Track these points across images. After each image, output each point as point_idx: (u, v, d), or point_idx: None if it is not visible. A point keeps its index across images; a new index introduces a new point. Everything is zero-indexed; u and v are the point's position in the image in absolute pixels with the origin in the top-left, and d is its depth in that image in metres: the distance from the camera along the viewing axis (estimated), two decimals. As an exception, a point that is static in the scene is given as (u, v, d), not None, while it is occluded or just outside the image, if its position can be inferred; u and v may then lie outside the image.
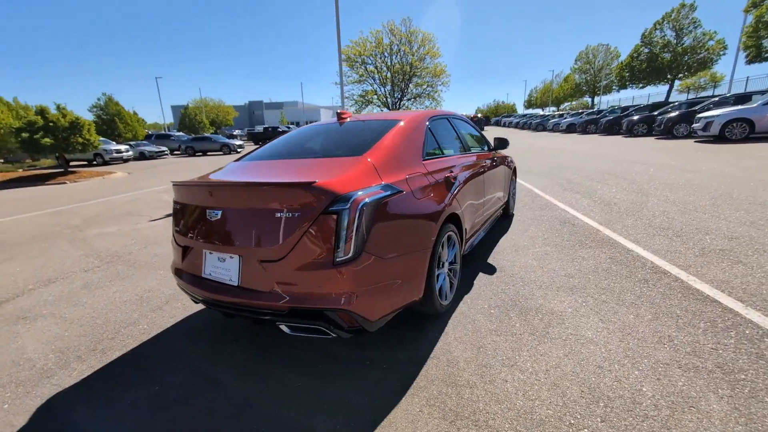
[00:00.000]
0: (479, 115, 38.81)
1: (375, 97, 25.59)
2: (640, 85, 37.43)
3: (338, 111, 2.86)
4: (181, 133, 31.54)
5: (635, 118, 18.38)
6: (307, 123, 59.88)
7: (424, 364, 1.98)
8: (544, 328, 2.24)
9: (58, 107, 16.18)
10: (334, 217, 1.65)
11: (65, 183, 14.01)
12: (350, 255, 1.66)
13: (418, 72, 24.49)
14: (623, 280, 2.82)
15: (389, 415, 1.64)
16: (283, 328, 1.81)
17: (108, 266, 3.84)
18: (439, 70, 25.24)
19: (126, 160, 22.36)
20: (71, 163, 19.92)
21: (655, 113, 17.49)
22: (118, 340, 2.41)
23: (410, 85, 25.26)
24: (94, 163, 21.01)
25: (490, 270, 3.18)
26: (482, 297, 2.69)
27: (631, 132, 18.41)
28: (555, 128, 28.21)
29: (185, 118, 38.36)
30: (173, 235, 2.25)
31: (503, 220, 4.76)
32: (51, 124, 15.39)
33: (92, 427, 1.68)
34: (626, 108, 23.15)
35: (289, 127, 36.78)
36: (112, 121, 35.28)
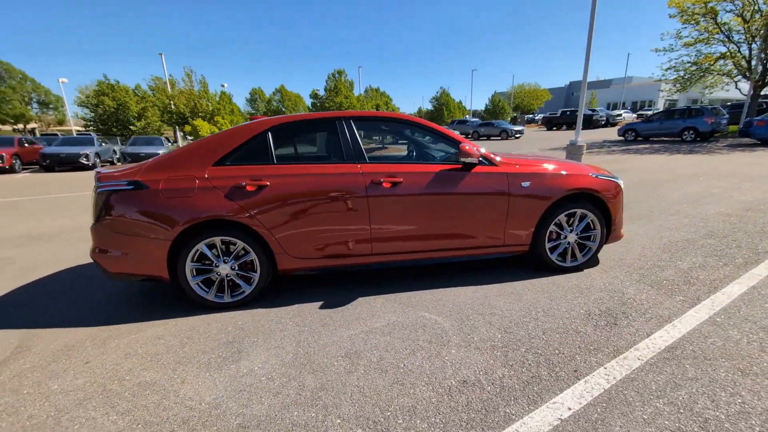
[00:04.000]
0: None
1: (726, 62, 16.74)
2: None
3: (250, 116, 3.31)
4: (476, 119, 35.19)
5: None
6: (640, 105, 46.73)
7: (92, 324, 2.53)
8: (192, 355, 2.03)
9: (386, 103, 23.11)
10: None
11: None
12: (94, 222, 2.56)
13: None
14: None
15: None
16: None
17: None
18: None
19: (429, 141, 28.21)
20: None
21: None
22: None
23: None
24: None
25: (308, 300, 2.64)
26: (256, 317, 2.53)
27: None
28: None
29: (492, 104, 41.85)
30: None
31: (535, 271, 3.06)
32: (379, 114, 22.45)
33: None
34: None
35: (594, 111, 31.55)
36: (441, 108, 44.56)
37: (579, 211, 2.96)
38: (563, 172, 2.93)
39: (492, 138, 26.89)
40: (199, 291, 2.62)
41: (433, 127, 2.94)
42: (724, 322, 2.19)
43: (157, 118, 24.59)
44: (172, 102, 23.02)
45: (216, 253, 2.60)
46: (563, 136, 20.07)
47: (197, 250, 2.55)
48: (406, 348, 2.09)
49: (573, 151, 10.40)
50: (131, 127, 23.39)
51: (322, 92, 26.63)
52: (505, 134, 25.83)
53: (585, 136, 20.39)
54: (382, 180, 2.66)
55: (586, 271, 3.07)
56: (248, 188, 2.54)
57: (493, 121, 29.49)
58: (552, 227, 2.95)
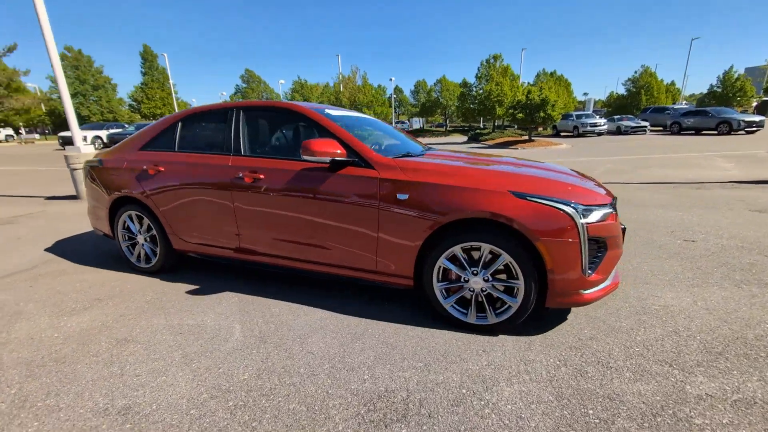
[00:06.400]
0: None
1: None
2: None
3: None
4: (688, 106, 25.86)
5: None
6: None
7: None
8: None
9: (540, 87, 19.96)
10: (91, 167, 3.44)
11: (516, 148, 17.81)
12: (85, 187, 3.42)
13: None
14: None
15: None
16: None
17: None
18: None
19: (600, 134, 22.85)
20: (562, 134, 23.67)
21: None
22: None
23: None
24: (572, 134, 23.49)
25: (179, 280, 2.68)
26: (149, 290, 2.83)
27: None
28: None
29: (722, 85, 29.43)
30: None
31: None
32: (528, 101, 19.69)
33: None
34: None
35: None
36: (637, 92, 35.26)
37: (486, 247, 1.92)
38: (464, 186, 1.95)
39: (703, 132, 19.43)
40: (127, 253, 3.15)
41: (311, 117, 2.45)
42: None
43: (330, 109, 29.34)
44: (340, 96, 26.94)
45: (136, 225, 3.06)
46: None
47: (123, 220, 3.07)
48: (161, 353, 1.95)
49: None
50: (311, 117, 28.92)
51: (472, 80, 25.36)
52: (727, 127, 18.08)
53: None
54: (241, 175, 2.47)
55: (501, 337, 2.00)
56: (150, 171, 2.84)
57: (708, 108, 20.80)
58: (444, 263, 2.04)
